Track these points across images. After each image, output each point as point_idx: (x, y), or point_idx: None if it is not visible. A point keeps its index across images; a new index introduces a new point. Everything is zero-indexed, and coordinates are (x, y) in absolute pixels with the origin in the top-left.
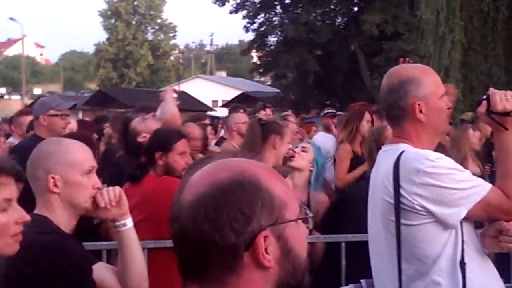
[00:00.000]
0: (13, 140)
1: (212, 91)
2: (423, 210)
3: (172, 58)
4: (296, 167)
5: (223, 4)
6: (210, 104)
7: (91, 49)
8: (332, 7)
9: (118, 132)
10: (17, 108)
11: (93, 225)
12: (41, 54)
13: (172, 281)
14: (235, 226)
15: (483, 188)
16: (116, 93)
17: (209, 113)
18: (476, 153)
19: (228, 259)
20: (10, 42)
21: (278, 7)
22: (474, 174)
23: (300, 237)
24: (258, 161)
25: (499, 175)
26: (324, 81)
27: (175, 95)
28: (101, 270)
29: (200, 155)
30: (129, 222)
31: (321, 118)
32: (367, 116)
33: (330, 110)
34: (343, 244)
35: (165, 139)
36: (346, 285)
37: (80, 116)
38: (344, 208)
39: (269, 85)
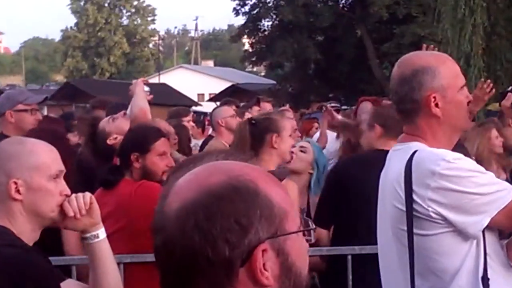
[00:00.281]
0: None
1: (198, 83)
2: (439, 218)
3: (151, 45)
4: (294, 170)
5: None
6: (195, 98)
7: (57, 36)
8: None
9: (85, 135)
10: None
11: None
12: None
13: None
14: (230, 238)
15: (509, 192)
16: (86, 86)
17: (194, 108)
18: (499, 156)
19: (220, 275)
20: None
21: None
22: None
23: (301, 251)
24: (253, 164)
25: None
26: (326, 71)
27: (147, 88)
28: None
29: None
30: (101, 233)
31: (323, 113)
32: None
33: (333, 104)
34: (349, 257)
35: (142, 138)
36: None
37: (45, 112)
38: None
39: (263, 76)
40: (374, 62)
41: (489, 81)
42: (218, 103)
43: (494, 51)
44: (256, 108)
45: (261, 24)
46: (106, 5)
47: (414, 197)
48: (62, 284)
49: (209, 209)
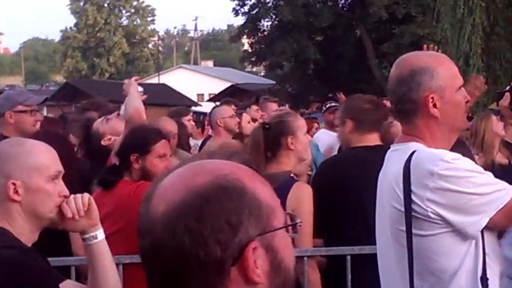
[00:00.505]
0: None
1: (197, 83)
2: (438, 219)
3: (150, 45)
4: (293, 173)
5: None
6: (194, 98)
7: (57, 36)
8: None
9: (78, 137)
10: None
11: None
12: None
13: None
14: (220, 238)
15: (507, 192)
16: (86, 87)
17: (194, 108)
18: (505, 144)
19: (212, 275)
20: None
21: None
22: (501, 165)
23: (288, 247)
24: (271, 167)
25: None
26: (326, 71)
27: (140, 88)
28: None
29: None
30: (100, 234)
31: (323, 113)
32: None
33: (333, 104)
34: (349, 257)
35: (142, 139)
36: None
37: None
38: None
39: (263, 76)
40: (373, 62)
41: (481, 76)
42: (218, 103)
43: (493, 51)
44: (254, 107)
45: (261, 24)
46: (106, 5)
47: (413, 197)
48: (61, 285)
49: (199, 210)
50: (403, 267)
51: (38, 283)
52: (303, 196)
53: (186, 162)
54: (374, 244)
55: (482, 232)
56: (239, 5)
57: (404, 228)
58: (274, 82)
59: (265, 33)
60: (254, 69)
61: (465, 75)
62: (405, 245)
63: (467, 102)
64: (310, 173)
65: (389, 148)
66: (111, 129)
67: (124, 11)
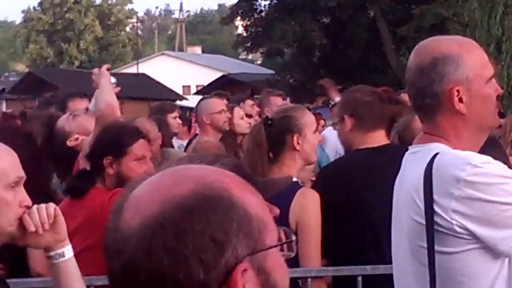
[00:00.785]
0: None
1: (183, 73)
2: (465, 233)
3: (128, 29)
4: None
5: None
6: (180, 91)
7: (17, 18)
8: None
9: (40, 136)
10: None
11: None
12: None
13: None
14: (204, 258)
15: None
16: (52, 77)
17: (179, 102)
18: None
19: None
20: None
21: None
22: None
23: (282, 268)
24: (274, 171)
25: None
26: (333, 59)
27: (113, 79)
28: None
29: None
30: (68, 251)
31: (331, 108)
32: None
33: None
34: (360, 278)
35: (116, 139)
36: None
37: (4, 108)
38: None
39: (260, 65)
40: (389, 48)
41: None
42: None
43: None
44: (249, 101)
45: (257, 3)
46: None
47: (435, 208)
48: None
49: (179, 225)
50: None
51: None
52: (309, 205)
53: (163, 167)
54: (389, 263)
55: None
56: None
57: (425, 244)
58: (273, 72)
59: (263, 14)
60: (250, 57)
61: (497, 63)
62: (426, 264)
63: (498, 95)
64: (313, 179)
65: (406, 149)
66: (79, 127)
67: None
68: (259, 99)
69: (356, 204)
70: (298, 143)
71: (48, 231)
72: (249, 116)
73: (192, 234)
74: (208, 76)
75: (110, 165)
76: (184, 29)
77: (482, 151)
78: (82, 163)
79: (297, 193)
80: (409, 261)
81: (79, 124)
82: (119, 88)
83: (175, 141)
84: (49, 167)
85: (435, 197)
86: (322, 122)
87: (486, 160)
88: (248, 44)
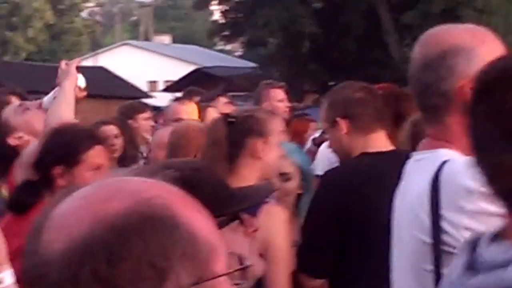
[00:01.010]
0: None
1: (149, 66)
2: None
3: (84, 14)
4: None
5: None
6: (145, 87)
7: None
8: None
9: None
10: None
11: None
12: None
13: None
14: None
15: None
16: None
17: (145, 101)
18: None
19: None
20: None
21: None
22: None
23: None
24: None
25: None
26: (326, 50)
27: (82, 81)
28: None
29: None
30: (8, 276)
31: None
32: None
33: None
34: None
35: (68, 145)
36: None
37: None
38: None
39: (239, 57)
40: (391, 38)
41: None
42: (178, 95)
43: None
44: (223, 99)
45: None
46: None
47: (444, 225)
48: None
49: (112, 249)
50: None
51: None
52: (277, 224)
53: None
54: None
55: None
56: None
57: (432, 267)
58: (255, 65)
59: None
60: (228, 48)
61: None
62: None
63: None
64: (300, 191)
65: (407, 157)
66: (26, 124)
67: None
68: (256, 93)
69: (364, 220)
70: (262, 150)
71: None
72: None
73: (127, 260)
74: (178, 70)
75: (60, 176)
76: (150, 15)
77: None
78: (22, 172)
79: (264, 210)
80: (411, 287)
81: (27, 121)
82: (85, 93)
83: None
84: None
85: (443, 212)
86: (312, 125)
87: None
88: (226, 33)
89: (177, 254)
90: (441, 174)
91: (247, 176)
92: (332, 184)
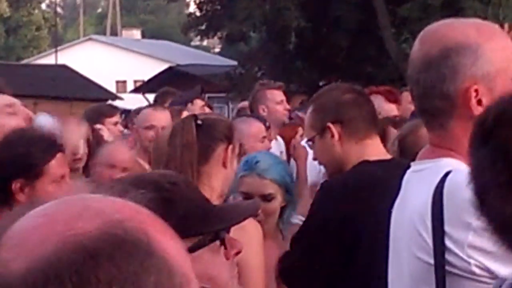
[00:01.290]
0: None
1: (117, 64)
2: (485, 275)
3: (43, 6)
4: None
5: None
6: (113, 88)
7: None
8: None
9: None
10: None
11: None
12: None
13: None
14: None
15: None
16: None
17: (112, 103)
18: None
19: None
20: None
21: None
22: None
23: None
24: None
25: None
26: (314, 46)
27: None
28: None
29: None
30: None
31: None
32: None
33: None
34: None
35: (27, 156)
36: None
37: None
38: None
39: (218, 54)
40: (387, 33)
41: None
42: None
43: None
44: (199, 102)
45: None
46: None
47: (447, 243)
48: None
49: (80, 273)
50: None
51: None
52: (250, 241)
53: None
54: None
55: None
56: None
57: None
58: (235, 63)
59: None
60: (205, 43)
61: None
62: None
63: None
64: (283, 204)
65: (408, 166)
66: None
67: None
68: (251, 95)
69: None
70: (228, 158)
71: None
72: None
73: (96, 286)
74: (149, 69)
75: (20, 190)
76: (118, 7)
77: None
78: None
79: (235, 226)
80: None
81: None
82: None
83: None
84: None
85: (446, 228)
86: (300, 130)
87: None
88: (203, 27)
89: (150, 284)
90: (444, 186)
91: (213, 185)
92: (333, 196)
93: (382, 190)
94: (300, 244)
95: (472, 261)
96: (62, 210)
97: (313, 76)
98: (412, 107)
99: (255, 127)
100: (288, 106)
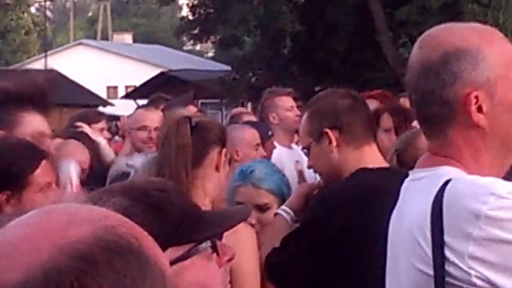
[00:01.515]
0: None
1: (108, 69)
2: (487, 287)
3: (33, 10)
4: None
5: None
6: (103, 94)
7: None
8: None
9: None
10: None
11: None
12: None
13: None
14: None
15: None
16: None
17: (103, 109)
18: None
19: None
20: None
21: None
22: None
23: None
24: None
25: None
26: (310, 50)
27: None
28: None
29: None
30: None
31: None
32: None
33: None
34: None
35: (12, 167)
36: None
37: None
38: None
39: (211, 59)
40: (385, 37)
41: None
42: (141, 103)
43: None
44: (191, 108)
45: None
46: None
47: (447, 253)
48: None
49: (80, 280)
50: None
51: None
52: (244, 246)
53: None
54: None
55: None
56: None
57: None
58: (229, 68)
59: None
60: (198, 48)
61: None
62: None
63: None
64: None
65: (407, 175)
66: None
67: None
68: (260, 103)
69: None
70: (220, 161)
71: None
72: None
73: None
74: (141, 74)
75: (7, 202)
76: (109, 11)
77: (508, 177)
78: None
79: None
80: None
81: None
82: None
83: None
84: None
85: (446, 238)
86: (296, 137)
87: None
88: (196, 31)
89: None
90: (444, 195)
91: (207, 188)
92: (331, 204)
93: (381, 199)
94: (295, 243)
95: (472, 272)
96: (49, 219)
97: (309, 81)
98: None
99: (248, 134)
100: (298, 112)
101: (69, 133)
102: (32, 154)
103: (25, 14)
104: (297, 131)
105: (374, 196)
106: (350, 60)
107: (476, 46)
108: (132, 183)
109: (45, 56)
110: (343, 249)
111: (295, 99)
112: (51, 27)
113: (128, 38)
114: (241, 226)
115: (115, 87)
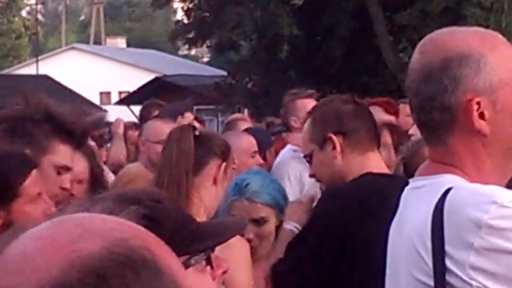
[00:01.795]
0: None
1: (101, 74)
2: None
3: (24, 13)
4: None
5: None
6: (96, 100)
7: None
8: None
9: None
10: None
11: None
12: None
13: None
14: None
15: None
16: None
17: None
18: None
19: None
20: None
21: None
22: None
23: None
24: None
25: None
26: (308, 55)
27: None
28: None
29: None
30: None
31: None
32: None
33: None
34: None
35: (0, 176)
36: None
37: None
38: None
39: (207, 63)
40: (384, 41)
41: None
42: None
43: None
44: (189, 115)
45: None
46: None
47: (448, 263)
48: None
49: None
50: None
51: None
52: (238, 259)
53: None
54: None
55: None
56: None
57: None
58: (225, 73)
59: None
60: (193, 52)
61: None
62: None
63: None
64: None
65: (407, 183)
66: None
67: None
68: (282, 107)
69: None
70: (220, 175)
71: None
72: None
73: None
74: (135, 79)
75: None
76: (102, 14)
77: (511, 184)
78: None
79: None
80: None
81: None
82: None
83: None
84: None
85: (447, 248)
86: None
87: None
88: (191, 35)
89: None
90: (444, 204)
91: (203, 198)
92: (332, 209)
93: (385, 206)
94: (298, 251)
95: (474, 283)
96: (59, 232)
97: (307, 87)
98: (410, 120)
99: (245, 142)
100: None
101: None
102: (21, 164)
103: (16, 18)
104: None
105: (376, 201)
106: (349, 65)
107: (478, 51)
108: (126, 193)
109: (37, 61)
110: (344, 255)
111: (317, 100)
112: (42, 31)
113: (121, 42)
114: (234, 238)
115: (108, 93)
